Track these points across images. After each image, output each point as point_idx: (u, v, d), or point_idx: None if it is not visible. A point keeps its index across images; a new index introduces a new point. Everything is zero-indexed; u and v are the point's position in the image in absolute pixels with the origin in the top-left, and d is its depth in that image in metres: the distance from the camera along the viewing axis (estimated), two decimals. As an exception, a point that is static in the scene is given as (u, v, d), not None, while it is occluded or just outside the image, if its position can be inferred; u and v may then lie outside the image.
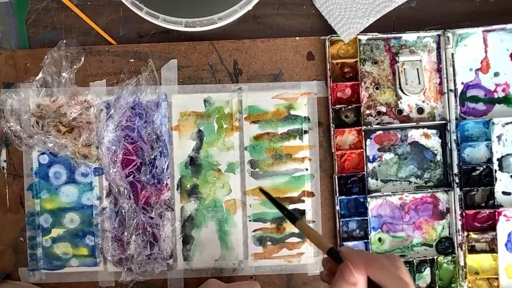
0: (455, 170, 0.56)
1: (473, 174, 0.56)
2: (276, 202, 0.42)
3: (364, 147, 0.56)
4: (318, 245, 0.38)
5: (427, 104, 0.57)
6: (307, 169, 0.57)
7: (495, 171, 0.57)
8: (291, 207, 0.57)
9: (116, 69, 0.57)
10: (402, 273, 0.36)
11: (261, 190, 0.45)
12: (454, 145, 0.56)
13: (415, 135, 0.57)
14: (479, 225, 0.56)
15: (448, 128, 0.56)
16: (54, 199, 0.57)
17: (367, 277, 0.35)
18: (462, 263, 0.56)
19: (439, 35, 0.57)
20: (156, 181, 0.56)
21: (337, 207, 0.55)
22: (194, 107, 0.57)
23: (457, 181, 0.56)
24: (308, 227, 0.40)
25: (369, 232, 0.56)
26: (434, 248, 0.57)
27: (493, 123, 0.56)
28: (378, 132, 0.57)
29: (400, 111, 0.57)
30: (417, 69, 0.56)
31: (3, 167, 0.57)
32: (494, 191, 0.56)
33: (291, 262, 0.57)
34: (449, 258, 0.56)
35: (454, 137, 0.56)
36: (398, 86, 0.56)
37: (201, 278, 0.57)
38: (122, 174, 0.56)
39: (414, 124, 0.57)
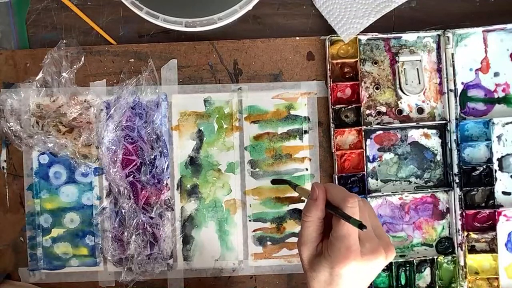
0: (455, 170, 0.56)
1: (473, 174, 0.56)
2: (284, 180, 0.50)
3: (364, 147, 0.56)
4: (305, 197, 0.45)
5: (427, 104, 0.57)
6: (307, 169, 0.57)
7: (495, 171, 0.57)
8: (291, 207, 0.57)
9: (116, 69, 0.57)
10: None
11: (273, 181, 0.53)
12: (454, 145, 0.56)
13: (415, 135, 0.57)
14: (479, 225, 0.56)
15: (448, 128, 0.56)
16: (54, 199, 0.57)
17: (326, 198, 0.41)
18: (462, 263, 0.56)
19: (439, 35, 0.57)
20: (156, 181, 0.56)
21: (337, 207, 0.55)
22: (194, 107, 0.57)
23: (457, 181, 0.56)
24: (302, 188, 0.48)
25: (369, 232, 0.56)
26: (434, 248, 0.57)
27: (493, 123, 0.56)
28: (378, 132, 0.57)
29: (400, 111, 0.57)
30: (417, 69, 0.56)
31: (3, 167, 0.57)
32: (494, 191, 0.56)
33: (291, 262, 0.57)
34: (449, 258, 0.56)
35: (454, 137, 0.56)
36: (398, 86, 0.56)
37: (201, 278, 0.57)
38: (122, 174, 0.56)
39: (414, 124, 0.57)
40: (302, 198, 0.56)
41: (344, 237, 0.38)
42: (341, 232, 0.39)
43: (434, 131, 0.57)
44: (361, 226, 0.37)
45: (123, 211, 0.56)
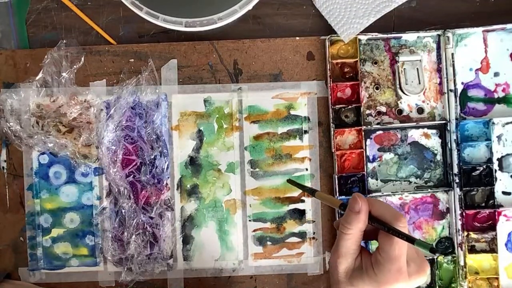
0: (455, 170, 0.56)
1: (473, 174, 0.56)
2: (300, 185, 0.49)
3: (364, 147, 0.56)
4: (333, 205, 0.44)
5: (427, 104, 0.57)
6: (307, 169, 0.57)
7: (495, 171, 0.57)
8: (291, 207, 0.57)
9: (116, 69, 0.57)
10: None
11: (289, 181, 0.51)
12: (454, 145, 0.56)
13: (415, 135, 0.57)
14: (479, 225, 0.56)
15: (448, 128, 0.56)
16: (54, 199, 0.57)
17: (369, 211, 0.39)
18: (462, 263, 0.56)
19: (439, 35, 0.57)
20: (156, 181, 0.56)
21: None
22: (194, 107, 0.57)
23: (457, 181, 0.56)
24: (324, 195, 0.47)
25: (369, 232, 0.56)
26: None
27: (493, 123, 0.56)
28: (378, 132, 0.57)
29: (400, 111, 0.57)
30: (417, 69, 0.56)
31: (3, 167, 0.57)
32: (494, 191, 0.56)
33: (291, 262, 0.57)
34: (449, 258, 0.56)
35: (454, 137, 0.56)
36: (398, 86, 0.56)
37: (201, 278, 0.57)
38: (122, 174, 0.56)
39: (414, 124, 0.57)
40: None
41: (395, 258, 0.37)
42: (392, 253, 0.37)
43: (434, 131, 0.57)
44: (433, 250, 0.34)
45: (123, 211, 0.56)
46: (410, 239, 0.36)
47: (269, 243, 0.57)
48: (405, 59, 0.56)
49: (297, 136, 0.57)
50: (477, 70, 0.57)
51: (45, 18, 0.58)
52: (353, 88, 0.57)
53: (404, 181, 0.58)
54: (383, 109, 0.57)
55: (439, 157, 0.57)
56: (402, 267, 0.37)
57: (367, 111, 0.57)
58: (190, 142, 0.57)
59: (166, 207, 0.57)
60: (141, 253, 0.56)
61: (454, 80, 0.56)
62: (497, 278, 0.56)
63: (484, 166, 0.56)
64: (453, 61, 0.56)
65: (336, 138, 0.56)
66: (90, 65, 0.57)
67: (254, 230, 0.57)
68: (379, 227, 0.39)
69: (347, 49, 0.57)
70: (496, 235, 0.56)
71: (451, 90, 0.56)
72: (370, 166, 0.57)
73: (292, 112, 0.57)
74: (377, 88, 0.57)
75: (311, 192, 0.47)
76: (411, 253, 0.39)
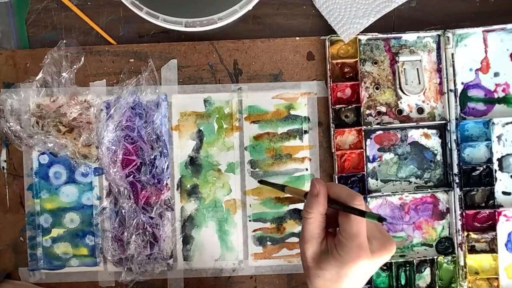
0: (455, 170, 0.56)
1: (473, 174, 0.56)
2: (271, 184, 0.51)
3: (364, 147, 0.56)
4: (300, 197, 0.45)
5: (427, 104, 0.57)
6: (307, 169, 0.57)
7: (495, 171, 0.57)
8: (291, 207, 0.57)
9: (116, 69, 0.57)
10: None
11: (260, 181, 0.54)
12: (454, 145, 0.56)
13: (415, 135, 0.57)
14: (479, 225, 0.56)
15: (448, 128, 0.56)
16: (54, 199, 0.57)
17: (327, 193, 0.41)
18: (462, 263, 0.56)
19: (439, 35, 0.57)
20: (156, 181, 0.56)
21: (337, 207, 0.55)
22: (194, 107, 0.57)
23: (457, 181, 0.56)
24: (292, 188, 0.49)
25: (369, 232, 0.56)
26: (434, 248, 0.57)
27: (493, 123, 0.56)
28: (378, 132, 0.57)
29: (400, 111, 0.57)
30: (417, 69, 0.56)
31: (3, 167, 0.57)
32: (494, 191, 0.56)
33: (291, 262, 0.57)
34: (449, 258, 0.56)
35: (454, 137, 0.56)
36: (398, 86, 0.56)
37: (201, 278, 0.57)
38: (122, 174, 0.56)
39: (414, 124, 0.57)
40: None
41: (355, 235, 0.38)
42: (351, 230, 0.38)
43: (434, 131, 0.57)
44: (380, 219, 0.36)
45: (123, 211, 0.56)
46: (361, 213, 0.37)
47: (269, 243, 0.57)
48: (405, 59, 0.56)
49: (297, 136, 0.57)
50: (477, 70, 0.57)
51: (45, 18, 0.58)
52: (353, 88, 0.57)
53: (404, 181, 0.58)
54: (383, 109, 0.57)
55: (439, 157, 0.57)
56: (363, 244, 0.38)
57: (367, 111, 0.57)
58: (190, 142, 0.57)
59: (166, 207, 0.57)
60: (141, 253, 0.56)
61: (454, 80, 0.56)
62: (497, 278, 0.56)
63: (484, 166, 0.56)
64: (453, 61, 0.56)
65: (336, 138, 0.56)
66: (90, 65, 0.57)
67: (254, 230, 0.57)
68: (337, 208, 0.40)
69: (347, 49, 0.57)
70: (496, 235, 0.56)
71: (451, 90, 0.56)
72: (370, 166, 0.57)
73: (292, 112, 0.57)
74: (377, 88, 0.57)
75: (281, 188, 0.48)
76: (373, 232, 0.40)
